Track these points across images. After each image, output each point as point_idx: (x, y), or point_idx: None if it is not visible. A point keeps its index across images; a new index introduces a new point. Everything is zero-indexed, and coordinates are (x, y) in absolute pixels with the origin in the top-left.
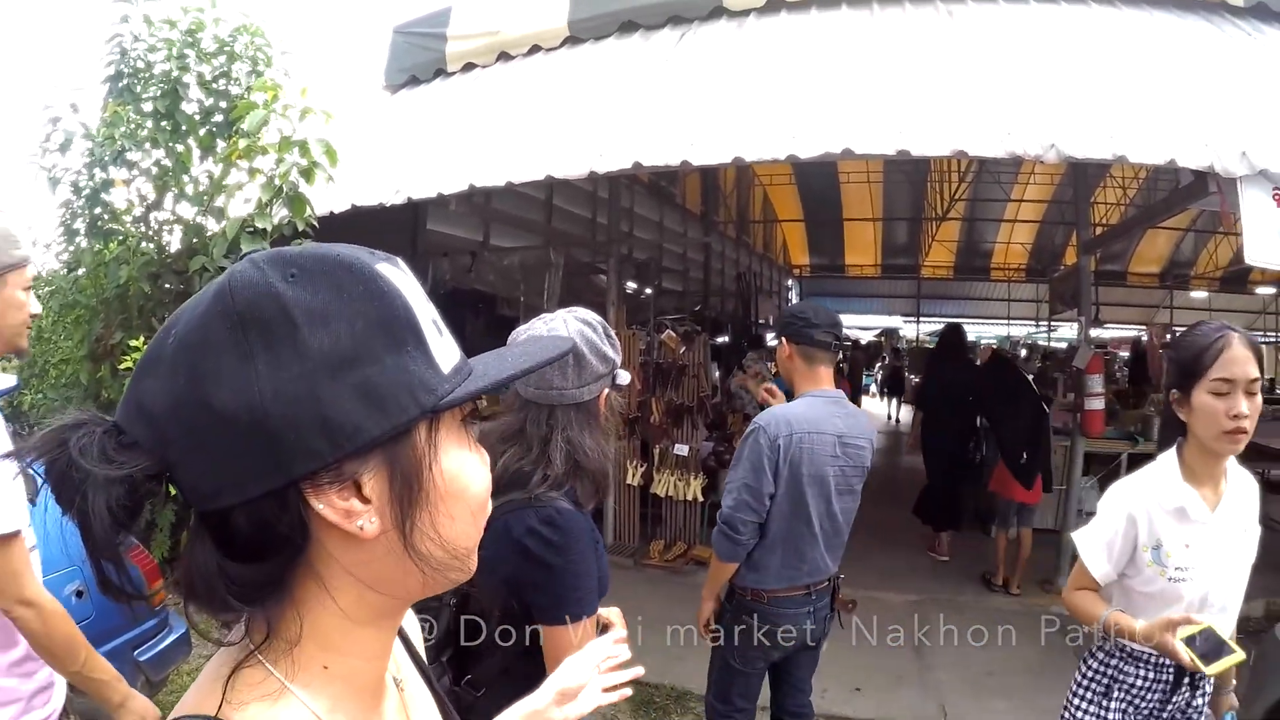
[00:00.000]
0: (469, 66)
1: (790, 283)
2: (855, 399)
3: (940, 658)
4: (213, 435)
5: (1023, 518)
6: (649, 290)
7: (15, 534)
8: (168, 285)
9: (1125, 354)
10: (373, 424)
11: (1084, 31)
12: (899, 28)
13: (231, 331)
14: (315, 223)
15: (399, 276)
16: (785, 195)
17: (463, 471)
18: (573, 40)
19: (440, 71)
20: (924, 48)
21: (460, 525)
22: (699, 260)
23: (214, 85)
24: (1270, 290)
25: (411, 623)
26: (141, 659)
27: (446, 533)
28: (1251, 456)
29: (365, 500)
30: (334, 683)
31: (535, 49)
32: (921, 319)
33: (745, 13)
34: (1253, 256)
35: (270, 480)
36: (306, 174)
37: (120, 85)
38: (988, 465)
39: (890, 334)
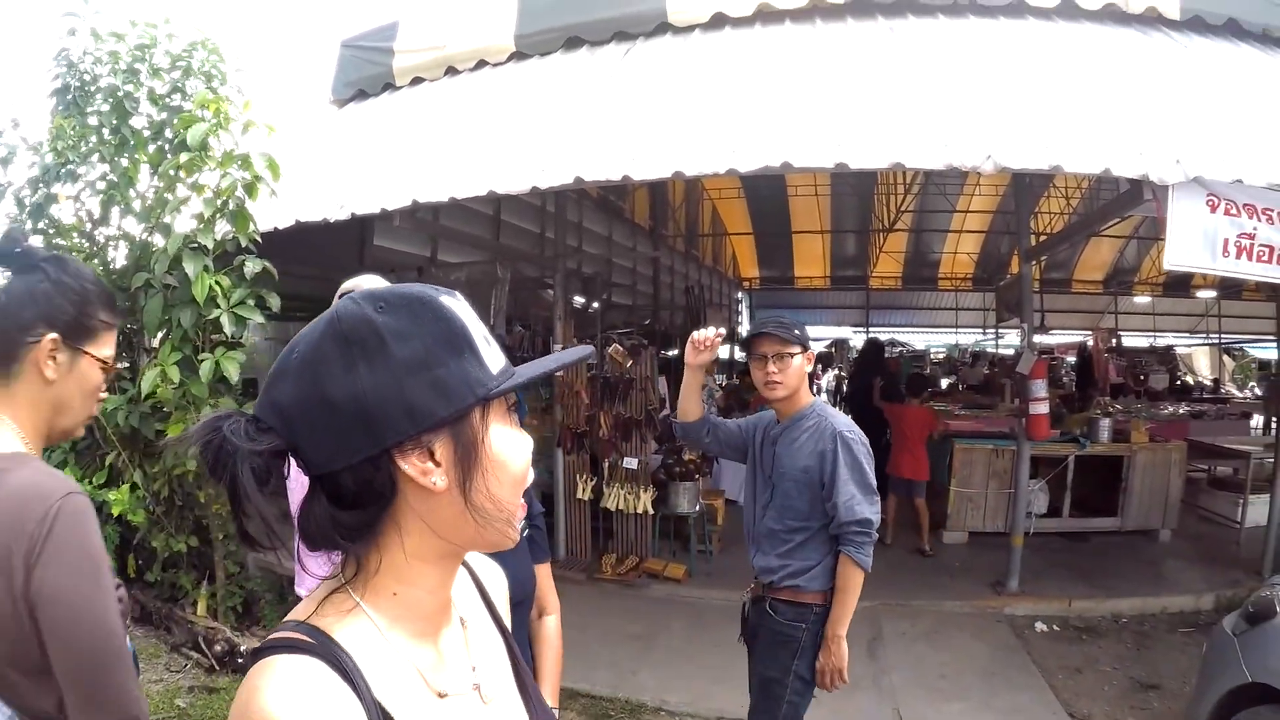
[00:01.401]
0: (416, 81)
1: (740, 295)
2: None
3: (893, 661)
4: (328, 419)
5: (915, 490)
6: (597, 304)
7: None
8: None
9: (1071, 359)
10: (441, 408)
11: (1021, 45)
12: (841, 43)
13: (340, 348)
14: (258, 238)
15: (457, 304)
16: (734, 209)
17: (507, 446)
18: (519, 55)
19: (388, 85)
20: (865, 62)
21: (506, 489)
22: (648, 274)
23: (166, 100)
24: (1211, 295)
25: (496, 580)
26: None
27: (495, 492)
28: (1198, 454)
29: (437, 464)
30: (398, 605)
31: (482, 64)
32: (871, 329)
33: (690, 29)
34: (1172, 259)
35: (370, 449)
36: (249, 189)
37: (67, 99)
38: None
39: (840, 344)
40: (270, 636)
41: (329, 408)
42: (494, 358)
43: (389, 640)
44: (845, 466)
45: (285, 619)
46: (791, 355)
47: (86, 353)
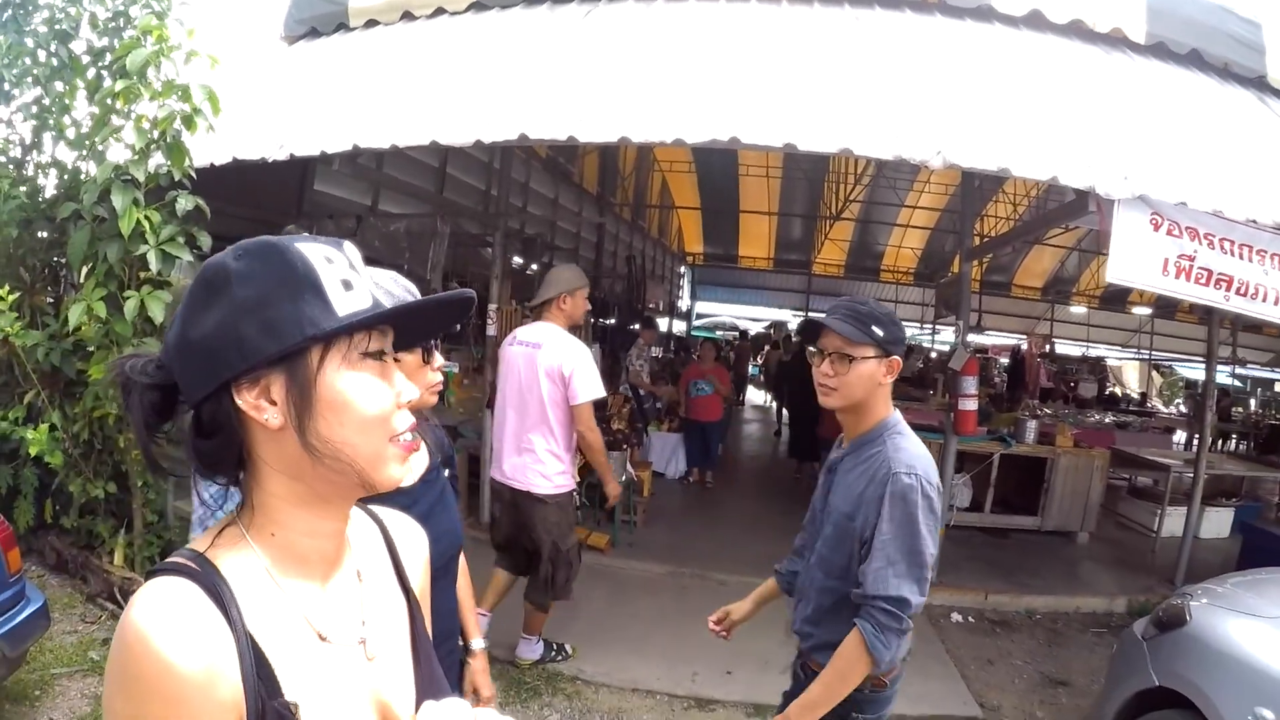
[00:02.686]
0: (371, 23)
1: (683, 270)
2: (740, 389)
3: None
4: (187, 356)
5: None
6: (536, 266)
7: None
8: (42, 233)
9: (1005, 360)
10: (268, 345)
11: (985, 49)
12: (805, 26)
13: (200, 291)
14: (193, 174)
15: (317, 249)
16: (684, 182)
17: (348, 390)
18: (479, 6)
19: (341, 26)
20: (826, 48)
21: (346, 432)
22: (592, 240)
23: (109, 25)
24: (1146, 312)
25: (413, 542)
26: None
27: (330, 435)
28: (1120, 463)
29: (272, 401)
30: (276, 546)
31: (440, 11)
32: (811, 314)
33: None
34: (1114, 274)
35: (210, 383)
36: (188, 122)
37: (4, 16)
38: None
39: (778, 326)
40: (164, 560)
41: (187, 345)
42: (351, 302)
43: (274, 579)
44: (889, 523)
45: (182, 548)
46: (855, 359)
47: None
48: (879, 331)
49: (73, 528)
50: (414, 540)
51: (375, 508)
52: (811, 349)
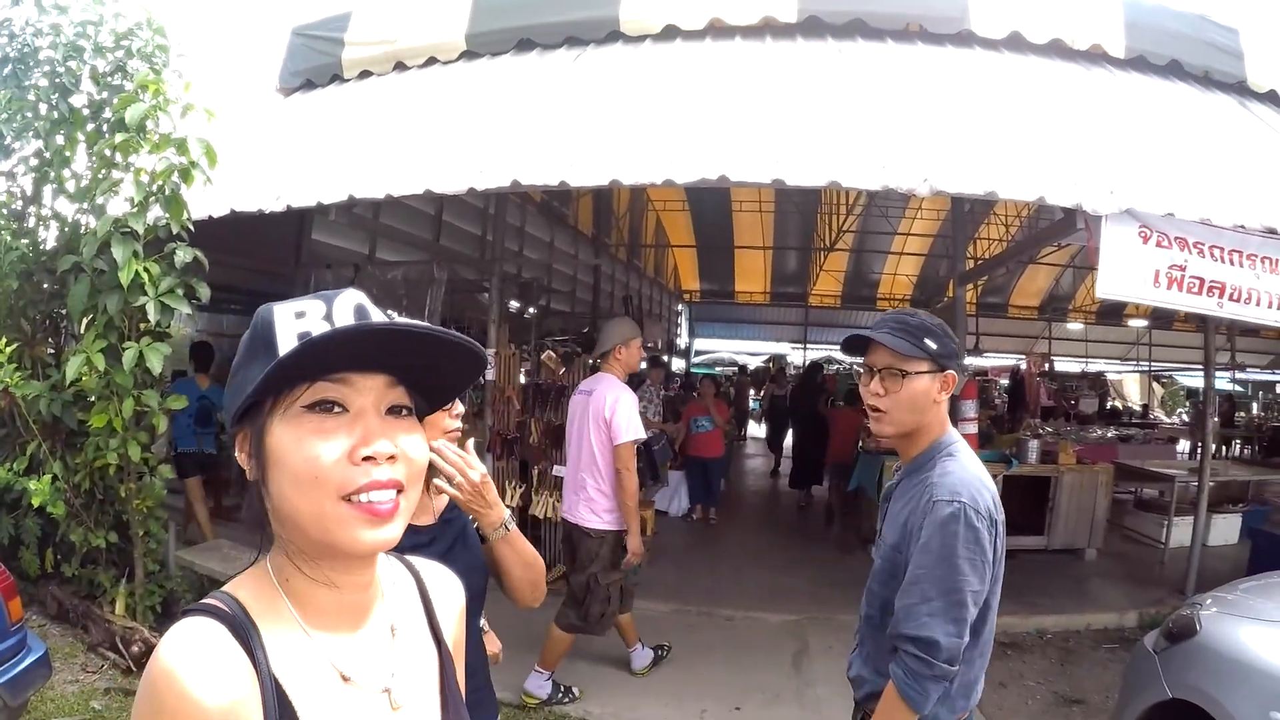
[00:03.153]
0: (365, 74)
1: (680, 308)
2: (741, 424)
3: (819, 674)
4: None
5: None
6: (533, 310)
7: None
8: (43, 285)
9: (1004, 381)
10: (233, 405)
11: (967, 74)
12: (789, 61)
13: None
14: (191, 226)
15: (285, 309)
16: (678, 221)
17: (281, 446)
18: (470, 54)
19: (335, 77)
20: (811, 82)
21: (285, 490)
22: (589, 282)
23: (108, 80)
24: (1143, 324)
25: (448, 591)
26: None
27: (276, 492)
28: (1125, 476)
29: (250, 456)
30: (300, 595)
31: (432, 60)
32: (809, 346)
33: (641, 38)
34: (1104, 289)
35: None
36: (185, 175)
37: (5, 71)
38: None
39: (776, 360)
40: (197, 601)
41: None
42: None
43: (299, 624)
44: (925, 554)
45: (218, 589)
46: (909, 374)
47: None
48: (932, 345)
49: (74, 576)
50: (450, 591)
51: (411, 558)
52: (858, 366)
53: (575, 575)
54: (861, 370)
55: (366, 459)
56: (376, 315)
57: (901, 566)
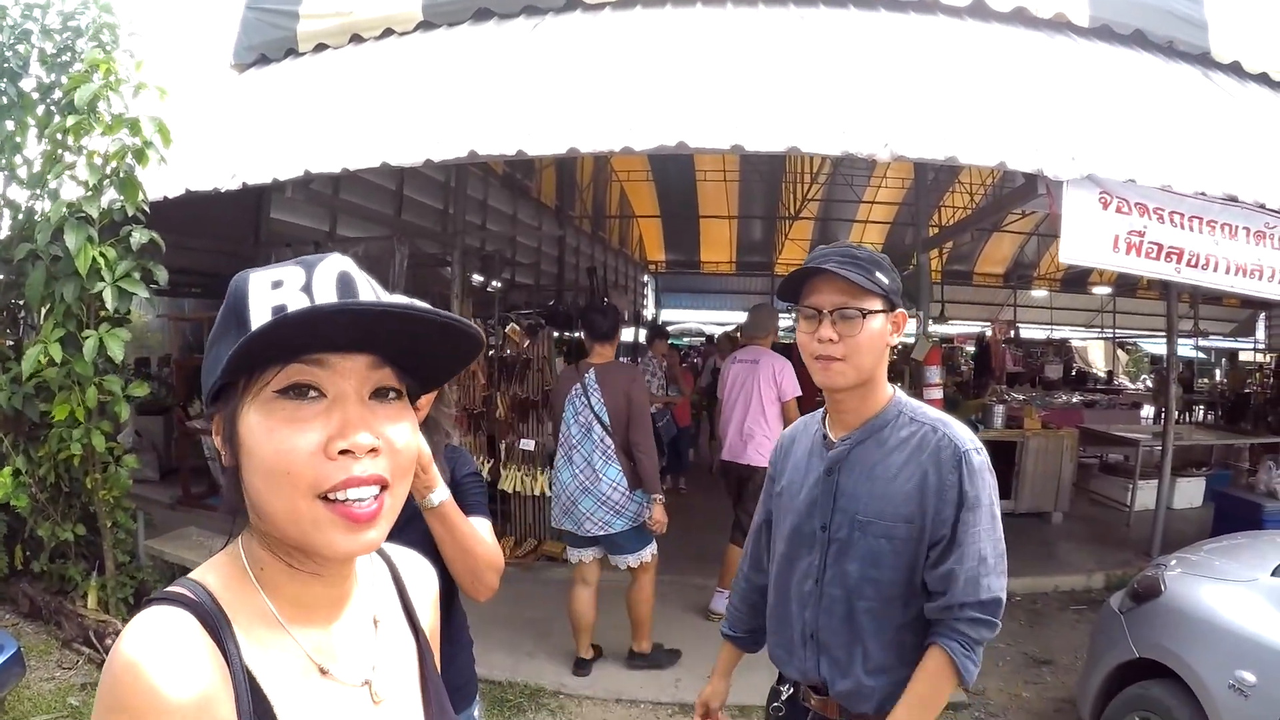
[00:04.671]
0: (320, 47)
1: (646, 278)
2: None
3: None
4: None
5: None
6: (497, 283)
7: None
8: None
9: (970, 348)
10: (206, 384)
11: (929, 41)
12: (750, 27)
13: None
14: (146, 208)
15: (261, 278)
16: (642, 192)
17: (251, 435)
18: (426, 25)
19: (291, 51)
20: (772, 48)
21: (258, 484)
22: (553, 254)
23: (56, 61)
24: (1106, 291)
25: (422, 580)
26: None
27: (248, 483)
28: (1090, 441)
29: (222, 439)
30: (274, 584)
31: (389, 32)
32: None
33: (601, 6)
34: (1066, 254)
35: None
36: (139, 155)
37: None
38: None
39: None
40: (162, 590)
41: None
42: None
43: (274, 613)
44: (974, 511)
45: (184, 577)
46: (866, 313)
47: None
48: (884, 279)
49: (44, 572)
50: (424, 577)
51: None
52: (806, 308)
53: (744, 505)
54: (801, 317)
55: (344, 452)
56: (363, 286)
57: (915, 538)
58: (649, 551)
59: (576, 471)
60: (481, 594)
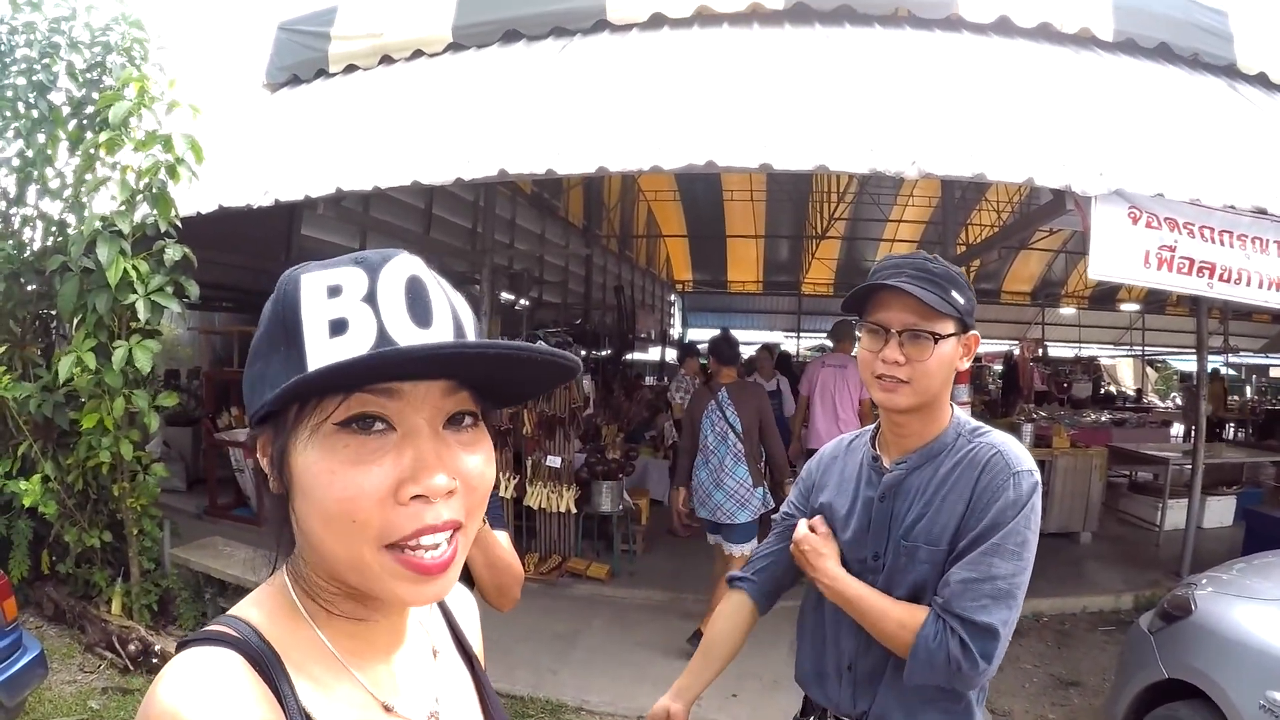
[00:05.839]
0: (351, 68)
1: (673, 298)
2: None
3: None
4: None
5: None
6: (525, 301)
7: None
8: (30, 285)
9: (998, 367)
10: (252, 402)
11: (955, 58)
12: (776, 48)
13: None
14: (179, 223)
15: (316, 281)
16: (669, 211)
17: (309, 474)
18: (456, 46)
19: (322, 72)
20: (798, 67)
21: (316, 528)
22: (580, 273)
23: (86, 76)
24: (1135, 308)
25: (466, 609)
26: None
27: (304, 522)
28: (1119, 460)
29: (270, 462)
30: (328, 618)
31: (418, 53)
32: (802, 334)
33: (628, 27)
34: (1096, 270)
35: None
36: (171, 172)
37: None
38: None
39: (770, 348)
40: (201, 629)
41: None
42: (334, 350)
43: (330, 649)
44: (1005, 532)
45: (224, 614)
46: (938, 337)
47: None
48: (959, 299)
49: (69, 574)
50: (468, 605)
51: None
52: (871, 324)
53: None
54: (864, 331)
55: (416, 497)
56: (436, 296)
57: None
58: (751, 547)
59: (712, 470)
60: (506, 606)
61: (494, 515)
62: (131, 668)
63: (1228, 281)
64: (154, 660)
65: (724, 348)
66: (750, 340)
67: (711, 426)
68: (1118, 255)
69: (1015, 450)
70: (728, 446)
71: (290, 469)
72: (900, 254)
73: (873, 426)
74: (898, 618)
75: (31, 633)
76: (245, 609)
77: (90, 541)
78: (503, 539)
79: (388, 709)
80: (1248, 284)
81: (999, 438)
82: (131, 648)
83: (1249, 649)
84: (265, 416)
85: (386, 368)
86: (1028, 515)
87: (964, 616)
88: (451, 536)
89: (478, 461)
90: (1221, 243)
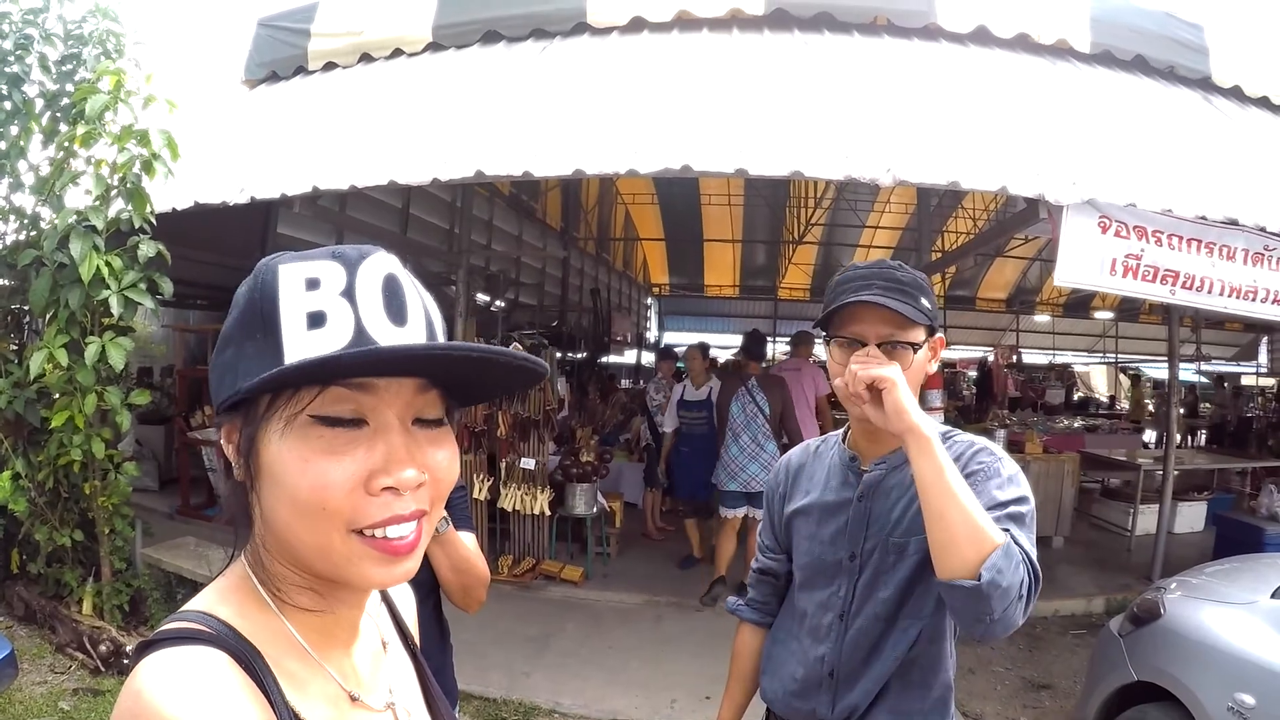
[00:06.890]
0: (330, 66)
1: (649, 301)
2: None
3: None
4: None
5: None
6: (501, 303)
7: None
8: (2, 280)
9: (972, 373)
10: (220, 391)
11: (932, 67)
12: (755, 53)
13: None
14: (153, 219)
15: (295, 272)
16: (647, 214)
17: (280, 463)
18: (436, 46)
19: (301, 69)
20: (776, 73)
21: (283, 513)
22: (557, 275)
23: (61, 69)
24: (1109, 316)
25: (405, 599)
26: None
27: (271, 513)
28: (1091, 465)
29: (236, 450)
30: (294, 610)
31: (398, 52)
32: (778, 339)
33: (608, 30)
34: (1061, 277)
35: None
36: (147, 167)
37: None
38: None
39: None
40: (163, 626)
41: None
42: (311, 343)
43: (303, 644)
44: (987, 478)
45: (183, 608)
46: (909, 345)
47: None
48: (927, 304)
49: (40, 575)
50: (407, 596)
51: None
52: (845, 338)
53: None
54: (835, 344)
55: (387, 488)
56: (410, 294)
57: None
58: None
59: (744, 446)
60: (472, 608)
61: (461, 516)
62: (103, 669)
63: (1190, 289)
64: (125, 661)
65: (755, 346)
66: (726, 344)
67: (742, 409)
68: (1084, 263)
69: (989, 442)
70: (757, 426)
71: (259, 457)
72: (864, 263)
73: (841, 430)
74: (985, 518)
75: (2, 633)
76: (210, 603)
77: (61, 540)
78: (469, 541)
79: (354, 699)
80: (1209, 291)
81: (970, 436)
82: (103, 648)
83: (1217, 652)
84: (235, 404)
85: (370, 364)
86: (1013, 470)
87: (1032, 559)
88: (418, 524)
89: (444, 456)
90: (1188, 250)
